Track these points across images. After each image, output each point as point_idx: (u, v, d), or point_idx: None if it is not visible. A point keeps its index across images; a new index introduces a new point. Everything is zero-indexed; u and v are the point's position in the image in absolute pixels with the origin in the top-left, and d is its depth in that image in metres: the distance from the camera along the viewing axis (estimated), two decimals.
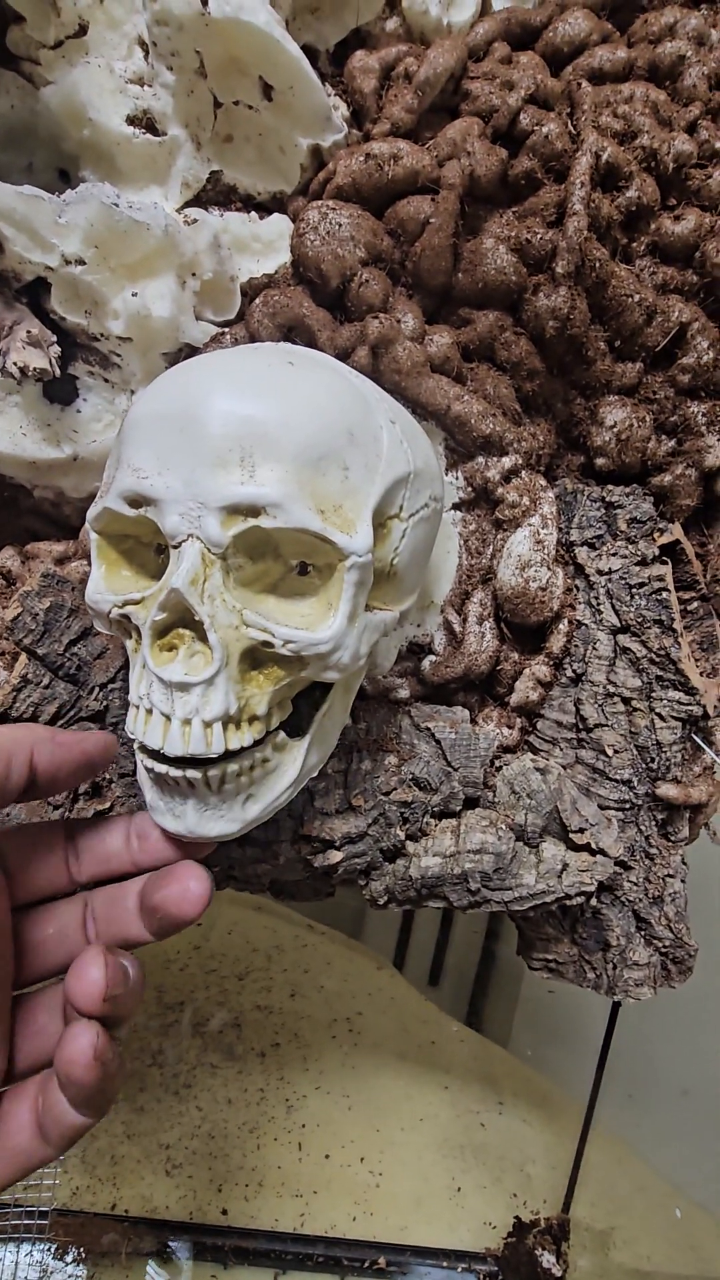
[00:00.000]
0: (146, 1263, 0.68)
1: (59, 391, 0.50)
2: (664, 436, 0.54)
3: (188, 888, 0.35)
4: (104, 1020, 0.31)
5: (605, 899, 0.53)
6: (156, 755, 0.36)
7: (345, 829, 0.48)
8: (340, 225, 0.48)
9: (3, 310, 0.47)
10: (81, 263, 0.46)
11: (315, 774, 0.43)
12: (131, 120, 0.49)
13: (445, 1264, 0.72)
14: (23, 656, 0.48)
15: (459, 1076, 0.88)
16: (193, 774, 0.36)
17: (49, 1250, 0.68)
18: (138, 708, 0.36)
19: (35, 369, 0.45)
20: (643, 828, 0.53)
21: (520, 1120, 0.86)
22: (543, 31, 0.52)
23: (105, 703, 0.48)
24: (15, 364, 0.45)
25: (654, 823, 0.53)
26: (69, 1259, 0.67)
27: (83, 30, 0.48)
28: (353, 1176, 0.77)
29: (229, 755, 0.36)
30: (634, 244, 0.52)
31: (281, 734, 0.39)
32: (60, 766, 0.34)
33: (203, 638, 0.35)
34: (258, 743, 0.38)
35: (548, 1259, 0.72)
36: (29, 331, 0.46)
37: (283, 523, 0.34)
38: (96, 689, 0.48)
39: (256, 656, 0.36)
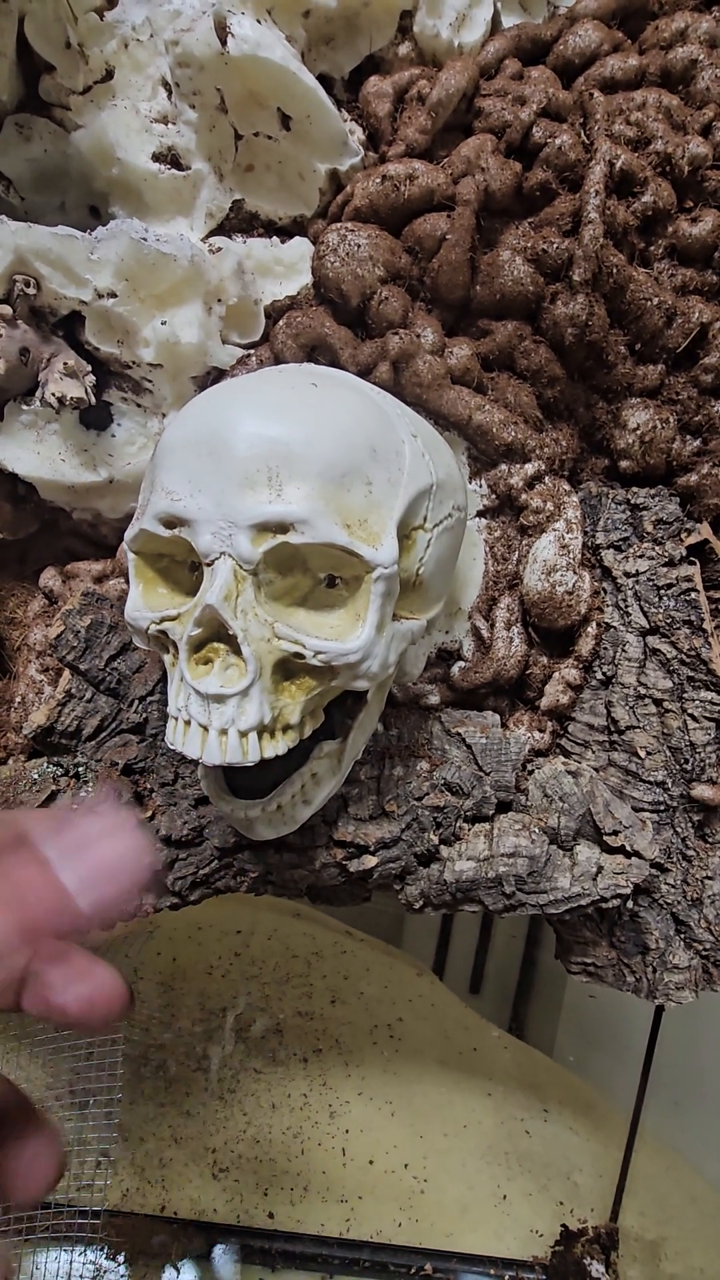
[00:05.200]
0: (196, 1264, 0.69)
1: (94, 418, 0.52)
2: (688, 437, 0.54)
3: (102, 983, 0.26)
4: None
5: (642, 902, 0.53)
6: (225, 796, 0.42)
7: (379, 834, 0.48)
8: (359, 246, 0.49)
9: (40, 343, 0.49)
10: (113, 295, 0.48)
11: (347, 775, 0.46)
12: (157, 157, 0.52)
13: (493, 1271, 0.71)
14: (66, 672, 0.50)
15: (502, 1083, 0.88)
16: (253, 813, 0.41)
17: (102, 1251, 0.69)
18: (176, 719, 0.37)
19: (72, 398, 0.48)
20: (679, 829, 0.53)
21: (566, 1128, 0.85)
22: (553, 45, 0.53)
23: (145, 715, 0.50)
24: (53, 394, 0.47)
25: (690, 824, 0.53)
26: (121, 1259, 0.68)
27: (109, 75, 0.51)
28: (397, 1182, 0.77)
29: (267, 765, 0.38)
30: (651, 247, 0.52)
31: (327, 744, 0.41)
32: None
33: (237, 651, 0.36)
34: (301, 758, 0.41)
35: (596, 1269, 0.71)
36: (65, 363, 0.48)
37: (310, 538, 0.35)
38: (136, 702, 0.50)
39: (289, 667, 0.37)
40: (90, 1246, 0.69)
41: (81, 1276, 0.66)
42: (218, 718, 0.36)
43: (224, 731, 0.36)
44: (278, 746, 0.37)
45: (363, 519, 0.37)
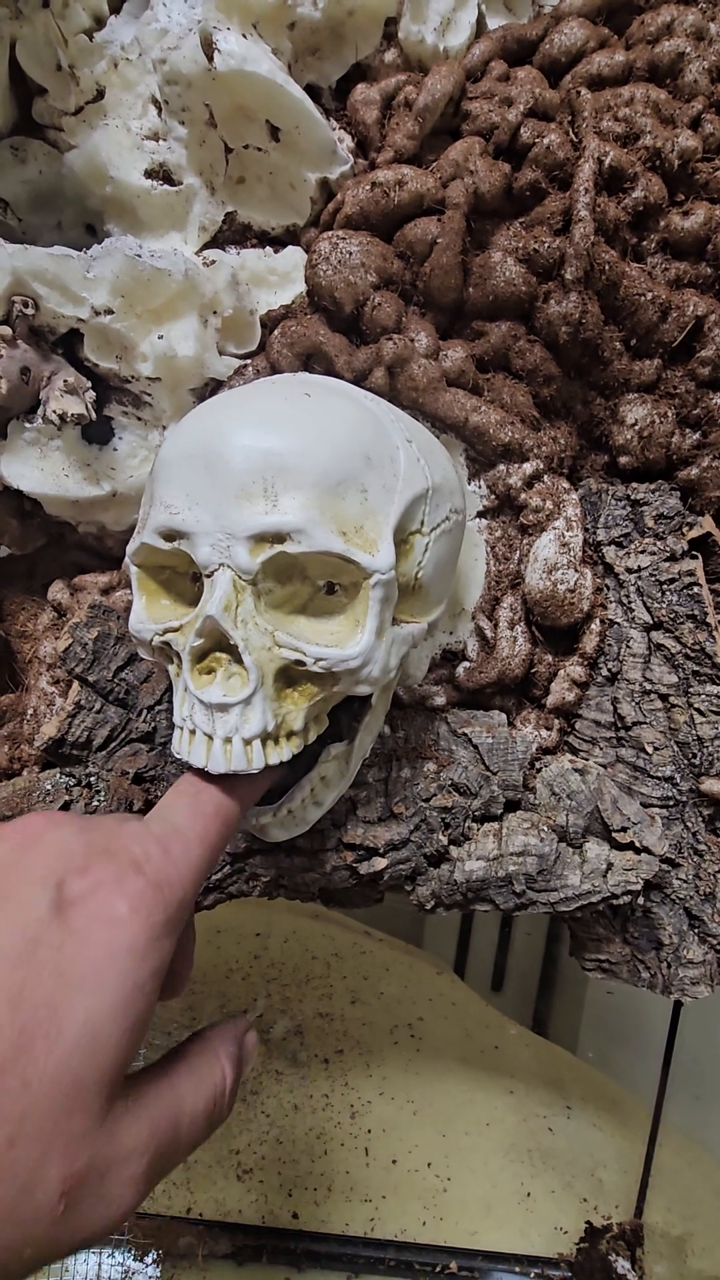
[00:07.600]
0: (222, 1265, 0.70)
1: (96, 433, 0.53)
2: (688, 430, 0.54)
3: None
4: None
5: (655, 897, 0.52)
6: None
7: (388, 836, 0.49)
8: (351, 253, 0.50)
9: (40, 362, 0.50)
10: (110, 312, 0.49)
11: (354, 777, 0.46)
12: (149, 173, 0.52)
13: (518, 1269, 0.71)
14: (75, 684, 0.51)
15: (524, 1080, 0.88)
16: (264, 819, 0.42)
17: (130, 1252, 0.70)
18: (182, 729, 0.38)
19: (73, 415, 0.48)
20: (689, 824, 0.52)
21: (590, 1124, 0.85)
22: (539, 44, 0.53)
23: (153, 724, 0.51)
24: (55, 412, 0.48)
25: (700, 819, 0.53)
26: (149, 1260, 0.69)
27: (100, 95, 0.52)
28: (420, 1181, 0.77)
29: (272, 770, 0.38)
30: (644, 242, 0.52)
31: (335, 746, 0.42)
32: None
33: (238, 660, 0.36)
34: (309, 762, 0.42)
35: (622, 1265, 0.71)
36: (65, 381, 0.49)
37: (307, 547, 0.36)
38: (145, 711, 0.51)
39: (290, 675, 0.38)
40: (118, 1248, 0.70)
41: (110, 1278, 0.67)
42: (221, 726, 0.36)
43: (228, 740, 0.36)
44: (282, 753, 0.38)
45: (359, 526, 0.37)
